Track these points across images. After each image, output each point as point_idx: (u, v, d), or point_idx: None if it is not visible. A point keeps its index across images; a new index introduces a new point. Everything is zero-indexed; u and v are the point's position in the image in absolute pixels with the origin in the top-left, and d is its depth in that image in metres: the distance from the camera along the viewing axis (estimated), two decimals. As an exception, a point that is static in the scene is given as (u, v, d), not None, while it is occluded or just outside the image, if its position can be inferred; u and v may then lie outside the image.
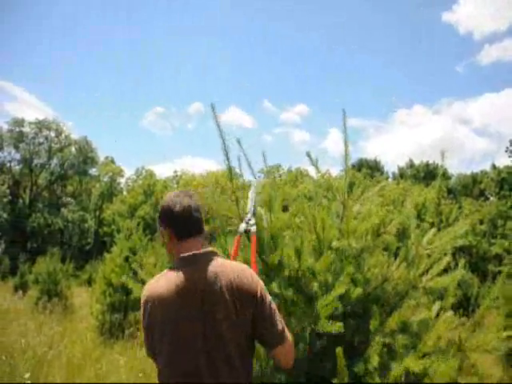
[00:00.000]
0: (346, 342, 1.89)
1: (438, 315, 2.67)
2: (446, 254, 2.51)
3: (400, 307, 2.19)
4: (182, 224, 1.77)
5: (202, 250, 1.75)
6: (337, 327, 1.84)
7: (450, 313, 2.75)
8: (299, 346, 1.92)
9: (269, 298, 1.71)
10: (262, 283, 1.73)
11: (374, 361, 1.88)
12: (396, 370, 1.85)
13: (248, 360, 1.72)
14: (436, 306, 2.72)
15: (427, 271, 2.39)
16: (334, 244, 2.05)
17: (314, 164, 2.58)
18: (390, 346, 2.02)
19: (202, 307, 1.64)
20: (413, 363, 1.92)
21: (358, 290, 1.88)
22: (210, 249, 1.79)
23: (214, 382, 1.62)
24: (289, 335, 1.71)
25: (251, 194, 2.32)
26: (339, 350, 1.75)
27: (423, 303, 2.39)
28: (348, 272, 1.97)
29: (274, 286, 2.06)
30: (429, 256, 2.48)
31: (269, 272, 2.06)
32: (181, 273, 1.69)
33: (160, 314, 1.68)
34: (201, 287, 1.66)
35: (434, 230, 2.68)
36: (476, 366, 2.23)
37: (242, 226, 2.23)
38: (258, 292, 1.68)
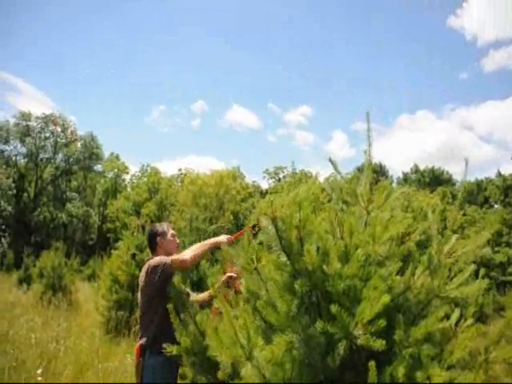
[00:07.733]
0: (371, 351, 1.84)
1: (456, 324, 2.62)
2: (468, 264, 2.46)
3: (424, 317, 2.14)
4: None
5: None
6: (379, 344, 1.77)
7: (469, 321, 2.70)
8: (329, 356, 1.87)
9: (152, 276, 3.04)
10: (151, 269, 3.06)
11: (400, 372, 1.84)
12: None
13: (149, 314, 3.06)
14: (455, 315, 2.68)
15: (450, 280, 2.34)
16: (361, 250, 2.01)
17: (337, 169, 2.54)
18: (415, 357, 1.98)
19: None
20: (439, 374, 1.88)
21: (386, 298, 1.83)
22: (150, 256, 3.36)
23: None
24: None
25: None
26: (372, 364, 1.70)
27: (444, 312, 2.34)
28: (380, 274, 1.92)
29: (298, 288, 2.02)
30: (451, 265, 2.43)
31: (295, 274, 2.02)
32: None
33: None
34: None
35: (455, 237, 2.62)
36: (500, 378, 2.19)
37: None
38: (146, 274, 3.07)
